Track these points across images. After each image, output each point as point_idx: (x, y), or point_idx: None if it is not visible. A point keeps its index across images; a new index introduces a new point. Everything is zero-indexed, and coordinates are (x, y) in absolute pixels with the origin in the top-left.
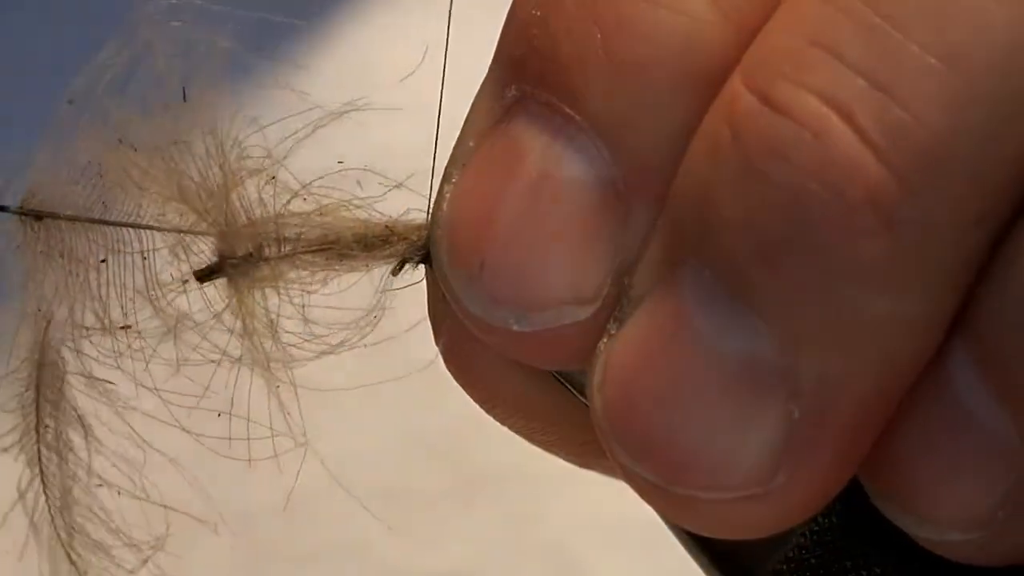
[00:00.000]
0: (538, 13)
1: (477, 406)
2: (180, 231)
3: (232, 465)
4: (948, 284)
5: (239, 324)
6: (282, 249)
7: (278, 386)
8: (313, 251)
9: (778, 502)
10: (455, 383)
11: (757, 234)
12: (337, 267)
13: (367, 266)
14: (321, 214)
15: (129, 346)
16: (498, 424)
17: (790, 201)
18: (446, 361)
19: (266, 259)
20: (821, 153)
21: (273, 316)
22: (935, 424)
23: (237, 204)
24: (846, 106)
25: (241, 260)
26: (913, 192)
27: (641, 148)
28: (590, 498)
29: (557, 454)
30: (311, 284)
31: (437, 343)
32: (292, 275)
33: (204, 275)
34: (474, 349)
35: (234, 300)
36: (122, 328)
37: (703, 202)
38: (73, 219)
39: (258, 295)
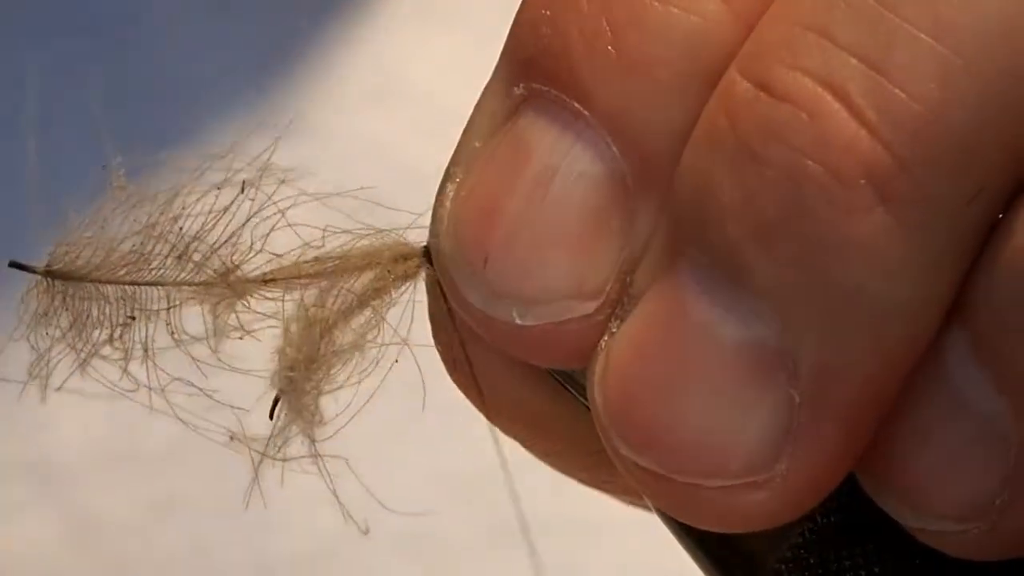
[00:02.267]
0: (548, 12)
1: (512, 450)
2: (210, 284)
3: (254, 513)
4: (944, 263)
5: (297, 423)
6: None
7: (320, 454)
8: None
9: (780, 489)
10: (486, 424)
11: (754, 216)
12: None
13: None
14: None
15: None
16: (533, 470)
17: (786, 181)
18: (447, 367)
19: (319, 361)
20: (816, 132)
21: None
22: (930, 411)
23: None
24: (840, 86)
25: (296, 378)
26: (907, 167)
27: (651, 145)
28: (627, 549)
29: (565, 471)
30: (357, 364)
31: (437, 346)
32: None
33: (272, 412)
34: (475, 352)
35: (295, 415)
36: (126, 320)
37: (701, 191)
38: (100, 281)
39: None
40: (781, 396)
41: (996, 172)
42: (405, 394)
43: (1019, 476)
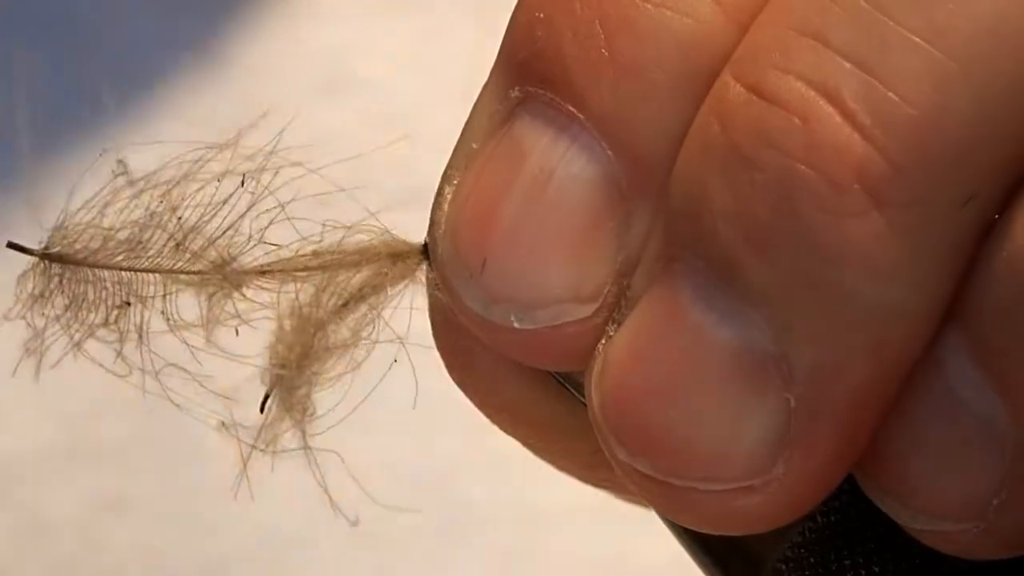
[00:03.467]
0: (542, 15)
1: (467, 442)
2: (205, 273)
3: (204, 513)
4: (939, 267)
5: (288, 420)
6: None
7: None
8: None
9: (777, 493)
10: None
11: (747, 221)
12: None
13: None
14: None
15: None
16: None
17: (779, 186)
18: (447, 366)
19: (311, 358)
20: (809, 137)
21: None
22: (927, 412)
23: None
24: (834, 90)
25: (286, 376)
26: (901, 171)
27: (645, 147)
28: (587, 537)
29: (566, 469)
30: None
31: (438, 347)
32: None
33: (263, 406)
34: (475, 353)
35: (285, 411)
36: (121, 305)
37: (695, 195)
38: (96, 265)
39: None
40: (777, 400)
41: (992, 174)
42: (376, 388)
43: (1016, 475)
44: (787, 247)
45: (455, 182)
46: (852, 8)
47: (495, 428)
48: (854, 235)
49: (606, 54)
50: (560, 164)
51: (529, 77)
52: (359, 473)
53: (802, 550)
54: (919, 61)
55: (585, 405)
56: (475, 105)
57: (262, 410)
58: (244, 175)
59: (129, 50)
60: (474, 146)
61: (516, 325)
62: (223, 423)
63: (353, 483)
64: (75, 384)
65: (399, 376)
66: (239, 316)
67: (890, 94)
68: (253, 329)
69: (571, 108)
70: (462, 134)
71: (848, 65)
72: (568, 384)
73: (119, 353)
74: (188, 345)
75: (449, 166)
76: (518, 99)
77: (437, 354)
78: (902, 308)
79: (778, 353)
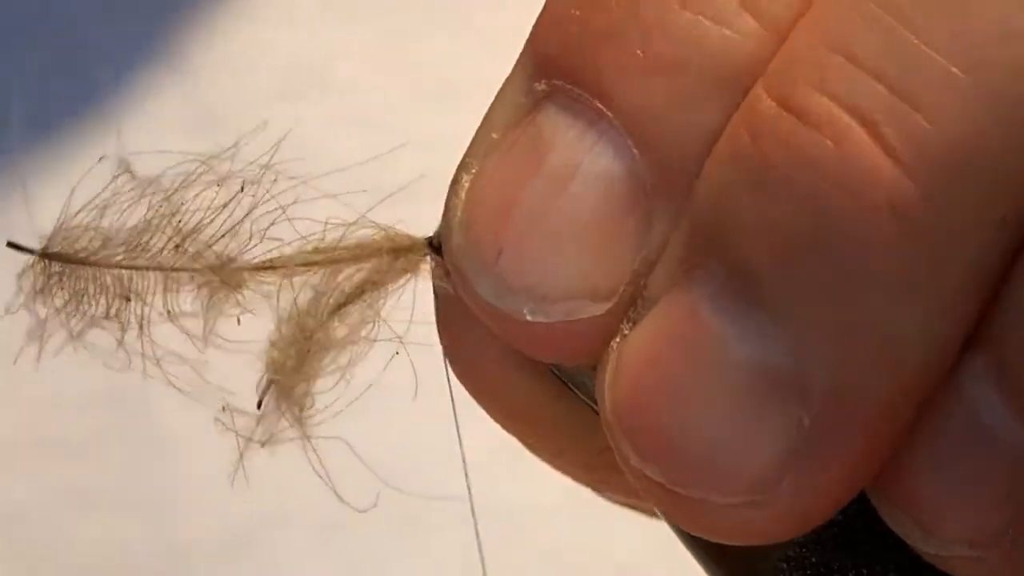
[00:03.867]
0: (577, 12)
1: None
2: (204, 271)
3: (167, 503)
4: (966, 294)
5: (287, 414)
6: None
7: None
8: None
9: (782, 509)
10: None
11: (773, 237)
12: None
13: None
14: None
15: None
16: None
17: (808, 205)
18: (450, 360)
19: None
20: (841, 159)
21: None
22: (946, 437)
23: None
24: (868, 113)
25: (283, 378)
26: (931, 199)
27: (671, 149)
28: (559, 532)
29: (567, 471)
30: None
31: (441, 340)
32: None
33: (260, 402)
34: (479, 347)
35: (283, 406)
36: (124, 299)
37: (721, 205)
38: (96, 264)
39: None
40: (790, 417)
41: (1021, 200)
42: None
43: None
44: (811, 266)
45: (473, 171)
46: (887, 29)
47: (483, 422)
48: (880, 259)
49: (640, 54)
50: (586, 159)
51: (558, 71)
52: (349, 462)
53: (804, 549)
54: (953, 90)
55: (589, 406)
56: (497, 95)
57: (259, 406)
58: (243, 181)
59: (92, 55)
60: (494, 136)
61: (528, 317)
62: (224, 408)
63: (312, 481)
64: (43, 374)
65: (395, 369)
66: (241, 306)
67: (920, 118)
68: (255, 317)
69: (599, 105)
70: (482, 124)
71: (881, 88)
72: (570, 383)
73: (120, 342)
74: (188, 335)
75: (467, 155)
76: (544, 92)
77: (431, 350)
78: (925, 334)
79: (795, 371)
